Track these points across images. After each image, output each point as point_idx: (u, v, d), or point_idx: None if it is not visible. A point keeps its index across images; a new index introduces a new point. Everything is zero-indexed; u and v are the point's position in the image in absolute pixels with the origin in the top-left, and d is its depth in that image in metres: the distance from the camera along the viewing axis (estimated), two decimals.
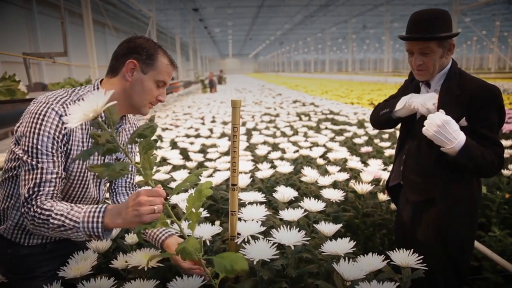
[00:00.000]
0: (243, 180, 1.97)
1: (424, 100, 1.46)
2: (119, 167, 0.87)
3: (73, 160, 0.92)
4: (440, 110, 1.39)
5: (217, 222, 1.62)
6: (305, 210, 1.50)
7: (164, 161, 2.82)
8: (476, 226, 1.60)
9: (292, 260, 1.25)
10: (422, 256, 1.12)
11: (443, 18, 1.40)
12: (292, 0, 22.72)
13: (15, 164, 1.20)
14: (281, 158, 2.67)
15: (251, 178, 2.10)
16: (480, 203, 1.59)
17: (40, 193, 1.09)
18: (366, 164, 2.54)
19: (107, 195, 1.47)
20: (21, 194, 1.11)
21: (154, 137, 0.91)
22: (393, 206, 2.01)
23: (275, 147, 3.33)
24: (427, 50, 1.41)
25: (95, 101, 0.80)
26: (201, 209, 1.55)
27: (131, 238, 1.45)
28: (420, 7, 1.84)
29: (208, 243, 1.36)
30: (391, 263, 1.14)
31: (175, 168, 2.59)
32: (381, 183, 2.20)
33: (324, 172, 2.30)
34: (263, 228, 1.33)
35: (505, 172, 2.50)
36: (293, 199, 1.72)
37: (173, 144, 3.57)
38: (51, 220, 1.05)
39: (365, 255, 1.17)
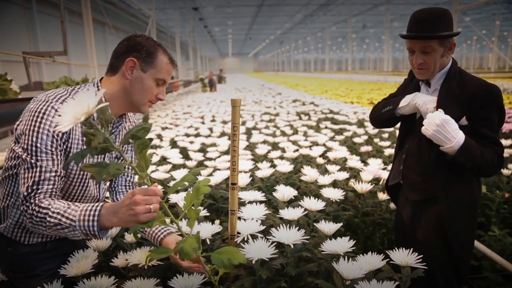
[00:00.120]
0: (243, 179, 1.97)
1: (426, 100, 1.47)
2: (114, 168, 0.85)
3: (67, 163, 0.91)
4: (439, 109, 1.39)
5: (217, 221, 1.62)
6: (305, 209, 1.51)
7: (164, 160, 2.82)
8: (476, 226, 1.60)
9: (292, 259, 1.25)
10: (421, 255, 1.12)
11: (444, 17, 1.40)
12: None
13: (15, 162, 1.20)
14: (281, 157, 2.67)
15: (251, 177, 2.10)
16: (480, 202, 1.59)
17: (39, 191, 1.09)
18: (366, 164, 2.54)
19: (107, 193, 1.47)
20: (20, 193, 1.11)
21: (149, 136, 0.90)
22: (392, 205, 2.02)
23: (275, 146, 3.33)
24: (428, 49, 1.41)
25: (86, 102, 0.78)
26: (200, 208, 1.56)
27: (131, 237, 1.45)
28: (420, 6, 1.84)
29: (208, 242, 1.36)
30: (391, 262, 1.14)
31: (175, 167, 2.59)
32: (380, 183, 2.20)
33: (324, 171, 2.30)
34: (263, 227, 1.33)
35: (504, 171, 2.50)
36: (293, 198, 1.73)
37: (173, 143, 3.57)
38: (48, 218, 1.05)
39: (365, 254, 1.17)
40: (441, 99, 1.45)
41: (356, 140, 3.47)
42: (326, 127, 4.35)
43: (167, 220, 0.99)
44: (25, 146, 1.10)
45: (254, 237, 1.27)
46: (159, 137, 3.87)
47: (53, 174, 1.12)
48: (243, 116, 5.55)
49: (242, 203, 1.58)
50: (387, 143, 3.25)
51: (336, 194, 1.72)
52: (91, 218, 1.03)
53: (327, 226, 1.38)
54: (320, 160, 2.58)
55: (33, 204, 1.08)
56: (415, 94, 1.54)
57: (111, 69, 1.24)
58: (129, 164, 0.90)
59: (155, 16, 13.32)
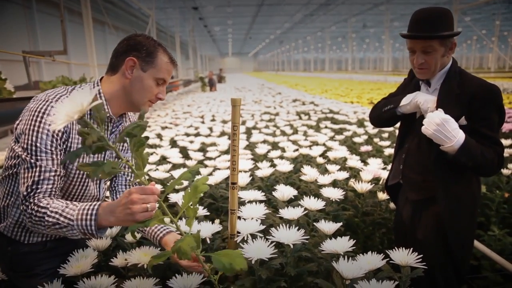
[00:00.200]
0: (243, 178, 1.97)
1: (427, 99, 1.47)
2: (109, 167, 0.84)
3: (62, 162, 0.90)
4: (439, 109, 1.39)
5: (217, 221, 1.62)
6: (305, 209, 1.51)
7: (163, 159, 2.82)
8: (475, 225, 1.60)
9: (292, 258, 1.25)
10: (421, 255, 1.12)
11: (445, 17, 1.40)
12: None
13: (15, 161, 1.19)
14: (281, 157, 2.67)
15: (251, 177, 2.10)
16: (479, 202, 1.59)
17: (38, 191, 1.09)
18: (365, 163, 2.54)
19: (108, 193, 1.47)
20: (20, 192, 1.11)
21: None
22: (392, 205, 2.02)
23: (274, 146, 3.33)
24: (429, 49, 1.41)
25: (80, 100, 0.77)
26: (200, 208, 1.56)
27: (134, 239, 1.45)
28: (420, 6, 1.83)
29: (208, 241, 1.36)
30: (391, 262, 1.14)
31: (175, 166, 2.59)
32: (380, 182, 2.20)
33: (324, 171, 2.30)
34: (262, 227, 1.33)
35: (504, 171, 2.50)
36: (293, 197, 1.73)
37: (173, 143, 3.57)
38: (46, 218, 1.05)
39: (365, 253, 1.17)
40: (441, 98, 1.45)
41: (356, 139, 3.47)
42: (326, 127, 4.35)
43: (166, 220, 0.98)
44: (25, 146, 1.10)
45: (253, 236, 1.27)
46: (159, 136, 3.87)
47: (53, 173, 1.12)
48: (243, 116, 5.55)
49: (242, 203, 1.58)
50: (387, 143, 3.25)
51: (336, 194, 1.72)
52: (88, 217, 1.02)
53: (327, 226, 1.38)
54: (320, 160, 2.58)
55: (32, 204, 1.08)
56: (416, 93, 1.54)
57: (111, 69, 1.23)
58: (126, 162, 0.88)
59: (155, 16, 13.32)
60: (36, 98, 1.17)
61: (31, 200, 1.08)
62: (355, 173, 2.39)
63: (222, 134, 4.06)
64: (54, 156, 1.12)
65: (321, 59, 57.03)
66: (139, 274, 1.21)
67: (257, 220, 1.38)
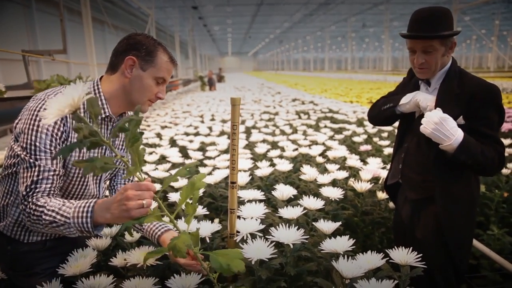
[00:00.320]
0: (242, 178, 1.97)
1: (427, 97, 1.48)
2: (101, 162, 0.82)
3: (54, 156, 0.89)
4: (438, 108, 1.39)
5: (216, 220, 1.62)
6: (304, 208, 1.51)
7: (163, 159, 2.82)
8: (474, 224, 1.60)
9: (291, 258, 1.25)
10: (421, 254, 1.13)
11: (445, 16, 1.41)
12: None
13: (14, 161, 1.19)
14: (280, 156, 2.67)
15: (250, 176, 2.10)
16: (478, 201, 1.59)
17: (37, 190, 1.09)
18: (365, 163, 2.54)
19: (107, 192, 1.47)
20: (19, 192, 1.11)
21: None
22: (392, 204, 2.02)
23: (274, 145, 3.33)
24: (430, 49, 1.41)
25: (71, 95, 0.75)
26: (199, 207, 1.56)
27: (130, 236, 1.45)
28: (419, 5, 1.84)
29: (208, 241, 1.36)
30: (390, 261, 1.14)
31: (174, 166, 2.59)
32: (380, 182, 2.20)
33: (323, 170, 2.30)
34: (262, 226, 1.33)
35: (503, 171, 2.50)
36: (292, 197, 1.73)
37: (172, 142, 3.57)
38: (44, 216, 1.05)
39: (364, 253, 1.17)
40: (440, 98, 1.45)
41: (356, 139, 3.47)
42: (325, 126, 4.35)
43: (165, 219, 0.97)
44: (24, 145, 1.10)
45: (253, 236, 1.27)
46: (159, 136, 3.87)
47: (52, 173, 1.12)
48: (242, 115, 5.55)
49: (241, 202, 1.58)
50: (387, 142, 3.25)
51: (335, 193, 1.72)
52: (84, 214, 1.02)
53: (326, 225, 1.38)
54: (320, 159, 2.58)
55: (30, 203, 1.08)
56: (416, 93, 1.54)
57: (111, 68, 1.23)
58: (120, 158, 0.86)
59: (155, 15, 13.30)
60: (36, 97, 1.17)
61: (30, 199, 1.08)
62: (354, 173, 2.39)
63: (222, 133, 4.06)
64: (53, 156, 1.12)
65: (320, 58, 57.03)
66: (139, 274, 1.21)
67: (256, 220, 1.38)
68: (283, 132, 4.09)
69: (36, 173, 1.09)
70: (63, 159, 1.16)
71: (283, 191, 1.71)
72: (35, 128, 1.10)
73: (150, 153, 2.87)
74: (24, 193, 1.09)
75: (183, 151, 3.07)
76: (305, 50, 60.16)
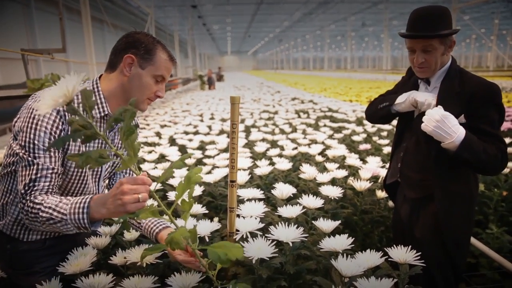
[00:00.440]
0: (242, 177, 1.97)
1: (427, 96, 1.48)
2: (96, 154, 0.80)
3: (47, 148, 0.88)
4: (439, 106, 1.39)
5: (216, 219, 1.63)
6: (304, 207, 1.51)
7: (162, 158, 2.82)
8: (473, 223, 1.60)
9: (291, 257, 1.26)
10: (419, 253, 1.13)
11: (445, 15, 1.40)
12: None
13: (13, 159, 1.19)
14: (280, 155, 2.67)
15: (250, 175, 2.10)
16: (476, 200, 1.59)
17: (35, 188, 1.09)
18: (364, 162, 2.54)
19: (106, 191, 1.46)
20: (18, 190, 1.11)
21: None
22: (391, 203, 2.02)
23: (273, 144, 3.33)
24: (429, 48, 1.41)
25: (66, 85, 0.74)
26: (199, 206, 1.56)
27: (130, 235, 1.45)
28: (419, 4, 1.84)
29: (207, 239, 1.36)
30: (389, 259, 1.15)
31: None
32: (379, 181, 2.20)
33: (323, 169, 2.30)
34: (261, 225, 1.33)
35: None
36: (292, 196, 1.73)
37: (172, 141, 3.57)
38: (41, 214, 1.05)
39: (363, 251, 1.17)
40: (441, 97, 1.45)
41: (355, 138, 3.47)
42: (325, 125, 4.35)
43: (166, 218, 0.97)
44: (23, 143, 1.10)
45: (253, 235, 1.27)
46: (158, 134, 3.87)
47: (50, 171, 1.12)
48: (242, 114, 5.55)
49: (241, 201, 1.58)
50: (386, 141, 3.25)
51: (334, 192, 1.72)
52: (80, 210, 1.02)
53: (325, 224, 1.38)
54: (319, 158, 2.58)
55: (28, 201, 1.08)
56: (411, 92, 1.54)
57: (110, 66, 1.23)
58: (115, 151, 0.84)
59: (154, 14, 13.28)
60: (35, 95, 1.17)
61: (28, 197, 1.08)
62: (354, 171, 2.39)
63: (221, 132, 4.06)
64: (51, 154, 1.12)
65: (320, 57, 57.01)
66: (138, 272, 1.21)
67: (256, 218, 1.38)
68: (282, 131, 4.09)
69: (34, 171, 1.10)
70: (62, 157, 1.16)
71: (282, 190, 1.71)
72: (33, 126, 1.10)
73: (150, 152, 2.87)
74: (23, 191, 1.09)
75: (183, 150, 3.07)
76: (305, 49, 60.15)
